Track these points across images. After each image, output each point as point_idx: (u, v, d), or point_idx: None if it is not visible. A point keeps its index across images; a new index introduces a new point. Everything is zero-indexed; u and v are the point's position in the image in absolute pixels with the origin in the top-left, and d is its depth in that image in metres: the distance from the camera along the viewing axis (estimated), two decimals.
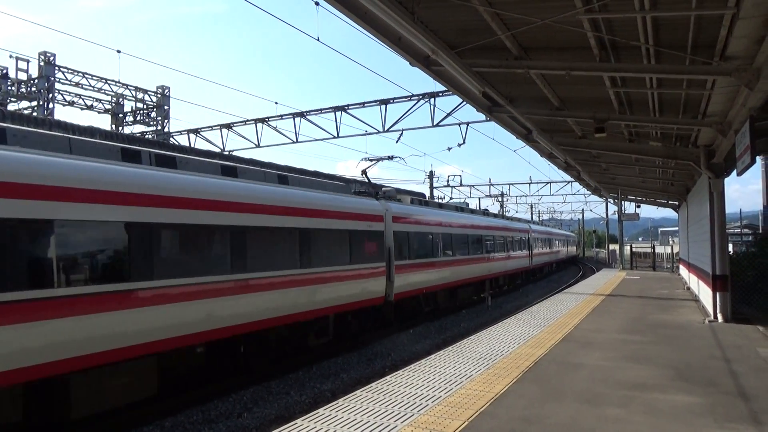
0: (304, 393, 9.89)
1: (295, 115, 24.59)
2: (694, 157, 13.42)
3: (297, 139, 24.71)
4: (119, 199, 7.73)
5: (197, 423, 8.33)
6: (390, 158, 19.05)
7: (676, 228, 37.68)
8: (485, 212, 29.68)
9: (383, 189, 18.62)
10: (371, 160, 18.85)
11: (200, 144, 28.13)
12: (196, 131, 28.26)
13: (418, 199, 21.52)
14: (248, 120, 26.29)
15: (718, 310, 12.02)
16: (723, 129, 10.44)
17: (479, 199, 51.85)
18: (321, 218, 12.22)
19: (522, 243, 31.62)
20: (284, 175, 12.27)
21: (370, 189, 17.26)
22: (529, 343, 9.49)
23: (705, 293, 13.82)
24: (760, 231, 31.51)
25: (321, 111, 24.10)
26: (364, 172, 18.55)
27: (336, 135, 23.45)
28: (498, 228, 26.99)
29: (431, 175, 40.18)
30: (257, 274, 10.05)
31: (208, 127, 27.77)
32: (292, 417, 7.95)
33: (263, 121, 25.49)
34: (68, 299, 7.03)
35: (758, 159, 24.30)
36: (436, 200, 36.04)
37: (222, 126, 26.97)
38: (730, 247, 18.00)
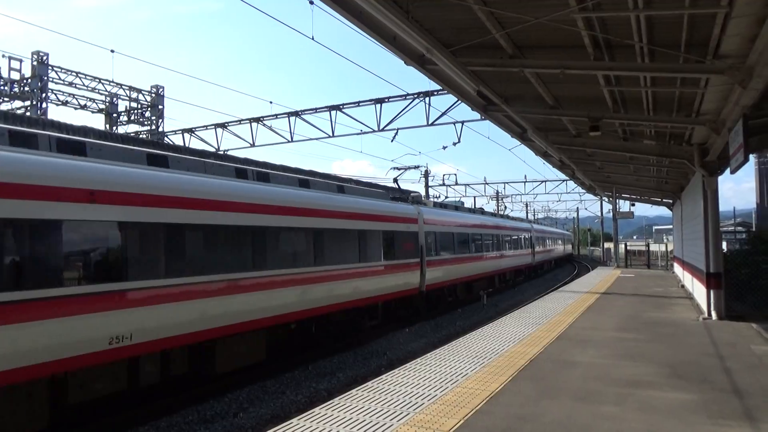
0: (300, 392, 9.88)
1: (290, 114, 24.50)
2: (688, 156, 13.47)
3: (292, 138, 24.63)
4: (255, 209, 10.38)
5: (193, 423, 8.31)
6: (416, 167, 23.64)
7: (671, 226, 37.83)
8: (491, 213, 32.57)
9: (411, 194, 21.14)
10: (400, 170, 22.72)
11: (195, 144, 27.93)
12: (190, 131, 28.14)
13: (439, 202, 24.26)
14: (243, 119, 26.19)
15: (712, 308, 12.08)
16: (716, 127, 10.48)
17: (474, 198, 51.92)
18: (374, 221, 14.72)
19: (526, 242, 34.21)
20: (341, 185, 14.74)
21: (401, 194, 19.67)
22: (524, 341, 9.51)
23: (699, 291, 13.89)
24: (754, 229, 31.67)
25: (316, 110, 24.02)
26: (395, 180, 22.05)
27: (331, 134, 23.39)
28: (506, 228, 29.64)
29: (426, 174, 40.18)
30: (331, 267, 12.49)
31: (203, 126, 27.67)
32: (288, 416, 7.94)
33: (258, 120, 25.40)
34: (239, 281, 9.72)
35: (751, 157, 24.40)
36: (431, 199, 36.36)
37: (217, 125, 26.86)
38: (724, 245, 18.06)
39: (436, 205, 22.15)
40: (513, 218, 39.33)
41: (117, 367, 7.99)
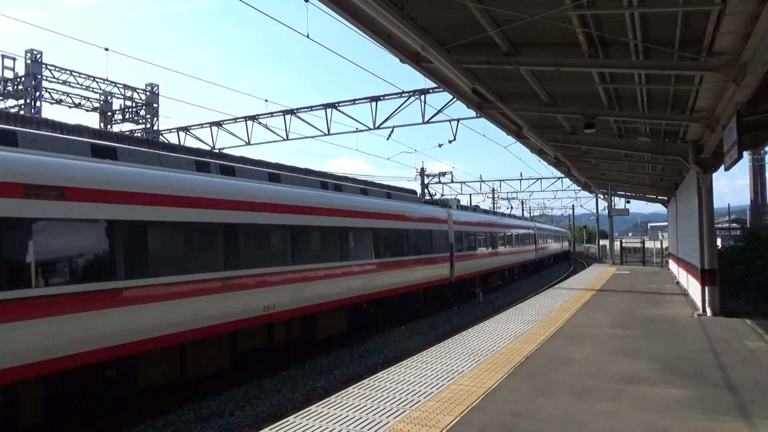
0: (297, 391, 9.89)
1: (285, 112, 24.45)
2: (683, 153, 13.51)
3: (287, 136, 24.57)
4: (338, 212, 13.38)
5: (189, 422, 8.30)
6: (444, 174, 30.61)
7: (666, 223, 37.93)
8: (502, 213, 35.85)
9: (439, 198, 24.56)
10: (428, 176, 28.97)
11: (190, 142, 27.87)
12: (185, 129, 28.06)
13: (462, 205, 27.71)
14: (238, 117, 26.10)
15: (706, 304, 12.13)
16: (711, 124, 10.51)
17: (470, 195, 51.94)
18: (417, 222, 18.02)
19: (530, 239, 37.36)
20: (389, 192, 18.21)
21: (427, 197, 23.00)
22: (520, 338, 9.54)
23: (694, 287, 13.95)
24: (748, 225, 31.79)
25: (311, 108, 23.96)
26: (425, 185, 27.59)
27: (327, 132, 23.37)
28: (515, 227, 33.01)
29: (422, 172, 40.15)
30: (387, 259, 15.59)
31: (198, 124, 27.59)
32: (284, 414, 7.93)
33: (253, 118, 25.32)
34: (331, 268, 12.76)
35: (745, 154, 24.43)
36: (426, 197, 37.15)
37: (212, 124, 26.77)
38: (719, 242, 18.14)
39: (459, 207, 25.61)
40: (519, 218, 42.56)
41: (263, 329, 10.96)
